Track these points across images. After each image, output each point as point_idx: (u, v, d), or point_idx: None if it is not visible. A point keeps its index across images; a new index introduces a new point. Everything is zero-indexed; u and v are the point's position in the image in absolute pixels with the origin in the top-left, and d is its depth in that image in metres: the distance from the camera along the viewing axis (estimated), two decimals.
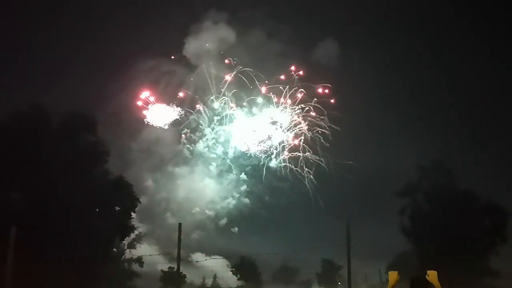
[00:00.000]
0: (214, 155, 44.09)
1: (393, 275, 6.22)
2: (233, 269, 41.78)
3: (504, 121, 42.39)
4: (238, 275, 41.63)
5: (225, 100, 43.53)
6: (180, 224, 19.69)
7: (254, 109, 43.56)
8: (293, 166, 42.89)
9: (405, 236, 37.15)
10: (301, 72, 42.49)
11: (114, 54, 41.29)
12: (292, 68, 42.82)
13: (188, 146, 44.20)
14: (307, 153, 42.71)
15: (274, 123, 43.32)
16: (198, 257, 38.94)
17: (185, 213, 42.04)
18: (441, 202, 36.35)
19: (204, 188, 44.15)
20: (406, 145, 42.99)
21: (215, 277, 40.95)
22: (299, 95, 42.57)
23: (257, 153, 43.32)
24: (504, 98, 42.86)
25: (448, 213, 35.32)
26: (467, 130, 42.98)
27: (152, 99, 43.21)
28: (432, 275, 6.00)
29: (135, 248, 36.83)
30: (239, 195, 44.13)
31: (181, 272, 30.99)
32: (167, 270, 38.31)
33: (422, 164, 38.55)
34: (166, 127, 43.85)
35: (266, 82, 42.48)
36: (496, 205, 36.11)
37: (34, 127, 32.24)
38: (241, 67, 42.72)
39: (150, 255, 36.41)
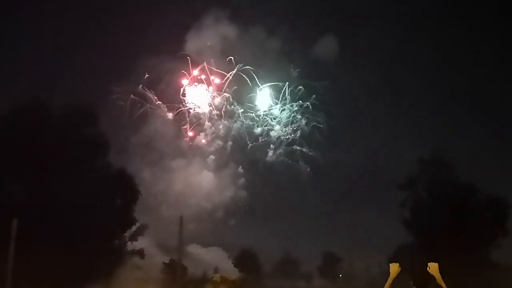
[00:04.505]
0: (212, 149, 44.14)
1: (394, 267, 6.23)
2: (234, 261, 41.95)
3: (506, 113, 42.23)
4: (239, 268, 41.78)
5: (225, 96, 43.53)
6: (181, 217, 19.80)
7: (253, 105, 43.53)
8: (290, 161, 43.00)
9: (405, 229, 37.38)
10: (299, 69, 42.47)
11: (115, 50, 41.12)
12: (292, 65, 42.85)
13: (187, 139, 44.21)
14: (304, 147, 42.82)
15: (272, 118, 43.35)
16: (194, 248, 38.99)
17: (181, 205, 42.06)
18: (442, 194, 36.38)
19: (202, 181, 44.21)
20: (406, 138, 42.89)
21: (216, 269, 41.07)
22: (298, 91, 42.58)
23: (255, 147, 43.43)
24: (506, 91, 42.67)
25: (449, 206, 35.37)
26: (467, 122, 42.79)
27: None
28: (433, 267, 6.01)
29: (137, 240, 36.97)
30: (236, 188, 44.25)
31: (183, 264, 31.16)
32: (168, 262, 38.44)
33: (422, 156, 38.64)
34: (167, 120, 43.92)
35: (266, 78, 42.46)
36: (497, 197, 36.16)
37: (35, 120, 32.29)
38: (241, 64, 42.70)
39: (152, 249, 36.58)
